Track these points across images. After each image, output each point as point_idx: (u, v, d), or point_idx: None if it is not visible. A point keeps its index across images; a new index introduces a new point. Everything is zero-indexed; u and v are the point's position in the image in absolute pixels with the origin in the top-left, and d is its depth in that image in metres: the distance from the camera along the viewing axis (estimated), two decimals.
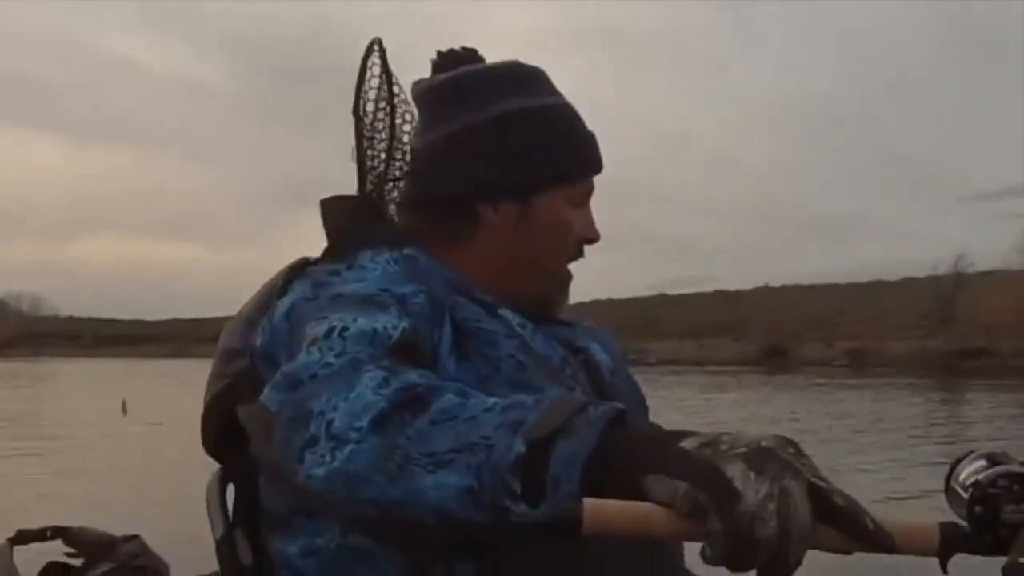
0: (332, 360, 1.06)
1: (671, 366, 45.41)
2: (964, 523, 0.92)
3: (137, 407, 20.75)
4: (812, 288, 67.18)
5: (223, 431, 1.37)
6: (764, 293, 68.33)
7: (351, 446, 0.96)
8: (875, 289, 61.71)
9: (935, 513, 0.94)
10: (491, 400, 0.98)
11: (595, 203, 1.45)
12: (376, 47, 1.44)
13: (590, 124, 1.44)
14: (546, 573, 1.19)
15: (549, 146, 1.38)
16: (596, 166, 1.44)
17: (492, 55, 1.45)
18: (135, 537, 1.49)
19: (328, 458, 0.96)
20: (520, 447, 0.90)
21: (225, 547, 1.37)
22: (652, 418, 1.35)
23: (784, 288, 69.27)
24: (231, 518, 1.39)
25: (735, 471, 0.84)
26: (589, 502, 0.86)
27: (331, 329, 1.12)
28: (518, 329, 1.32)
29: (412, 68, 1.48)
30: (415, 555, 1.18)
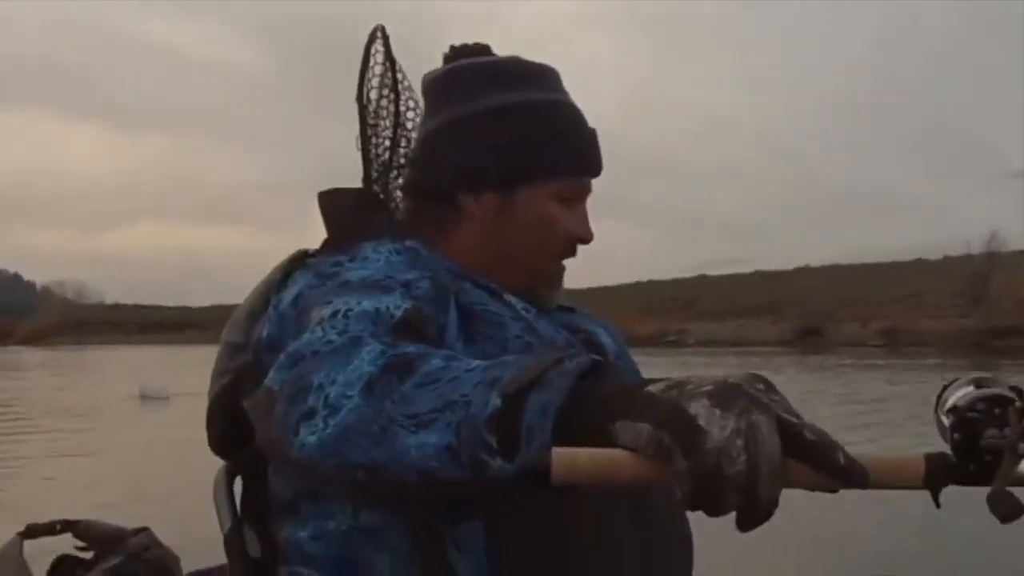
0: (334, 337, 1.07)
1: (709, 347, 45.31)
2: (951, 453, 0.88)
3: (175, 393, 20.87)
4: (851, 268, 66.81)
5: (227, 427, 1.37)
6: (803, 273, 68.02)
7: (341, 412, 0.96)
8: (914, 268, 61.26)
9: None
10: (475, 362, 0.98)
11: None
12: (379, 34, 1.44)
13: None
14: (546, 542, 1.20)
15: (536, 141, 1.37)
16: (590, 167, 1.42)
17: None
18: (144, 529, 1.49)
19: (321, 425, 0.97)
20: (496, 401, 0.89)
21: (234, 539, 1.37)
22: None
23: (823, 268, 68.89)
24: (239, 511, 1.39)
25: (699, 408, 0.82)
26: (557, 451, 0.84)
27: (336, 311, 1.13)
28: (523, 312, 1.32)
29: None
30: (423, 531, 1.18)
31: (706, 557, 1.39)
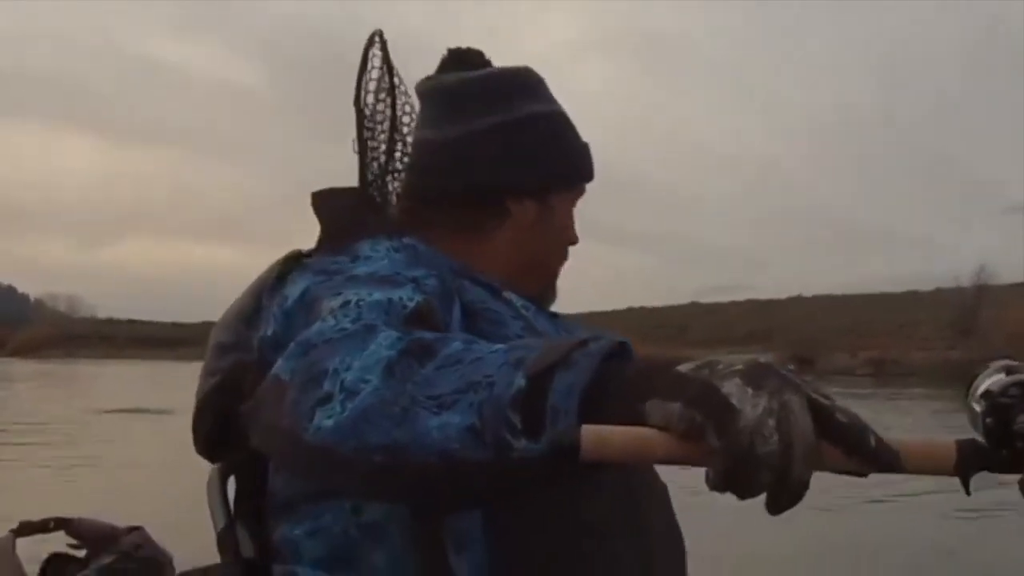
0: (347, 325, 1.06)
1: None
2: (982, 439, 0.87)
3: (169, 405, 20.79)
4: (844, 298, 66.83)
5: (215, 428, 1.37)
6: (797, 303, 68.00)
7: (360, 395, 0.95)
8: (907, 300, 61.27)
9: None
10: (497, 345, 0.98)
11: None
12: (377, 39, 1.46)
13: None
14: (548, 541, 1.21)
15: (565, 149, 1.45)
16: (593, 171, 1.50)
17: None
18: (138, 528, 1.49)
19: (339, 409, 0.95)
20: (520, 381, 0.89)
21: (227, 539, 1.37)
22: None
23: (816, 298, 68.86)
24: (232, 511, 1.40)
25: (731, 387, 0.81)
26: (587, 428, 0.84)
27: (347, 301, 1.13)
28: (522, 311, 1.34)
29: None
30: (422, 528, 1.18)
31: None
